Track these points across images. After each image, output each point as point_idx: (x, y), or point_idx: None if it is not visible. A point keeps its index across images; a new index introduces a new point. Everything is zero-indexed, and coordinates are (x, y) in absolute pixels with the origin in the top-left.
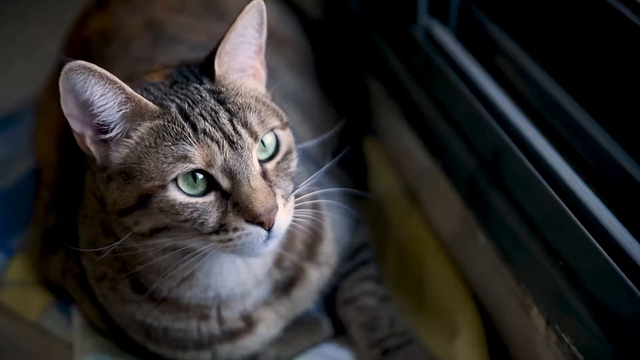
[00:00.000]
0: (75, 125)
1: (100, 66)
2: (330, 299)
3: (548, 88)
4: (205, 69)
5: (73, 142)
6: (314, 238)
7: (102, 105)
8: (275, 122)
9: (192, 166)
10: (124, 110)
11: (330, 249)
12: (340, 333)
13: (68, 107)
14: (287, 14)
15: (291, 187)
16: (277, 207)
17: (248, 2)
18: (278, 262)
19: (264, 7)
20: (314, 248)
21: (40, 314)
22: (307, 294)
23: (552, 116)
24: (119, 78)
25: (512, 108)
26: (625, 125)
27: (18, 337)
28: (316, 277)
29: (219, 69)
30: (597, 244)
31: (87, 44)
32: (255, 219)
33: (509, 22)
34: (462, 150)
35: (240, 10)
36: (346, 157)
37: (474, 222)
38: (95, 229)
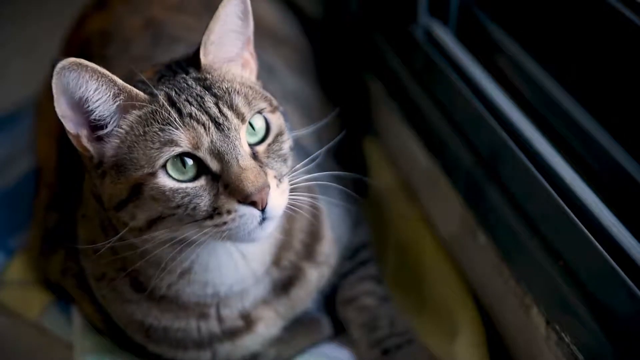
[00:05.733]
0: (70, 126)
1: (99, 66)
2: (330, 299)
3: (548, 88)
4: (192, 60)
5: None
6: (313, 237)
7: (97, 100)
8: (263, 105)
9: (178, 149)
10: (118, 102)
11: (329, 249)
12: (340, 333)
13: (62, 107)
14: (287, 13)
15: (285, 169)
16: (268, 186)
17: None
18: (277, 261)
19: None
20: (313, 247)
21: (40, 313)
22: (306, 294)
23: (552, 116)
24: (119, 78)
25: (512, 108)
26: (625, 124)
27: (18, 337)
28: (315, 276)
29: (204, 58)
30: (597, 244)
31: (86, 44)
32: (247, 199)
33: (509, 22)
34: (462, 150)
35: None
36: (347, 157)
37: (474, 221)
38: (94, 229)
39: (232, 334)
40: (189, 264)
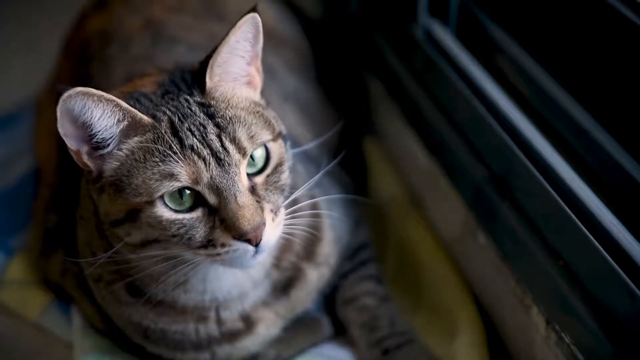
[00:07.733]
0: (71, 143)
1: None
2: (330, 299)
3: (548, 88)
4: (197, 78)
5: None
6: (313, 239)
7: (100, 125)
8: (266, 136)
9: (178, 184)
10: (121, 127)
11: (329, 249)
12: (340, 333)
13: (64, 128)
14: (287, 13)
15: (281, 200)
16: (264, 224)
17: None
18: (276, 262)
19: (258, 20)
20: (313, 248)
21: (40, 314)
22: (306, 294)
23: (552, 116)
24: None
25: (511, 108)
26: (625, 124)
27: (18, 337)
28: (315, 277)
29: (210, 81)
30: (597, 244)
31: (86, 44)
32: (242, 237)
33: (508, 22)
34: (462, 150)
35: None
36: (346, 157)
37: (474, 222)
38: (91, 230)
39: (231, 335)
40: (185, 277)
